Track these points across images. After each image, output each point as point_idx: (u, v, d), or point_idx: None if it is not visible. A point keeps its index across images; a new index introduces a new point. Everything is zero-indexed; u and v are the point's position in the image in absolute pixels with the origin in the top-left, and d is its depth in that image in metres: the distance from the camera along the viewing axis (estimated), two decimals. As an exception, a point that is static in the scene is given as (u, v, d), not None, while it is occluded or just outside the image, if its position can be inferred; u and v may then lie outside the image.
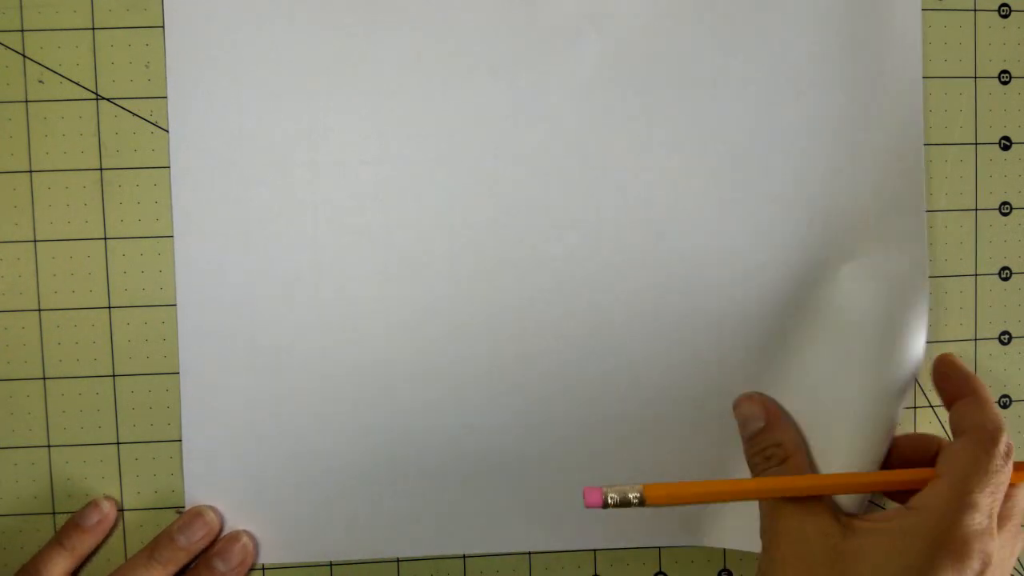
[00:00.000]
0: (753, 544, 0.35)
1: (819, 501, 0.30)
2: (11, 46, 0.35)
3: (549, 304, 0.36)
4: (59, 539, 0.34)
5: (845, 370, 0.34)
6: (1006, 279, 0.38)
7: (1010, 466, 0.29)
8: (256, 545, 0.36)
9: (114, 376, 0.36)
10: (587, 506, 0.30)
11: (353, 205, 0.35)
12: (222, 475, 0.35)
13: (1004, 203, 0.38)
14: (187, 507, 0.35)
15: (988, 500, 0.28)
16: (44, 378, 0.35)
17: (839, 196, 0.36)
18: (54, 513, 0.35)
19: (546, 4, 0.35)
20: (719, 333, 0.36)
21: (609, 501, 0.30)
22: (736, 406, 0.35)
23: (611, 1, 0.35)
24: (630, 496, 0.30)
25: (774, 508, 0.31)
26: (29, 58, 0.35)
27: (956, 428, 0.31)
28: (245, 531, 0.36)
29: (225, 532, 0.35)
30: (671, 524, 0.37)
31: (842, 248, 0.36)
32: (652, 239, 0.36)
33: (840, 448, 0.34)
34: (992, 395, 0.34)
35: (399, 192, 0.35)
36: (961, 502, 0.28)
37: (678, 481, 0.32)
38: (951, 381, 0.34)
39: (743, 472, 0.35)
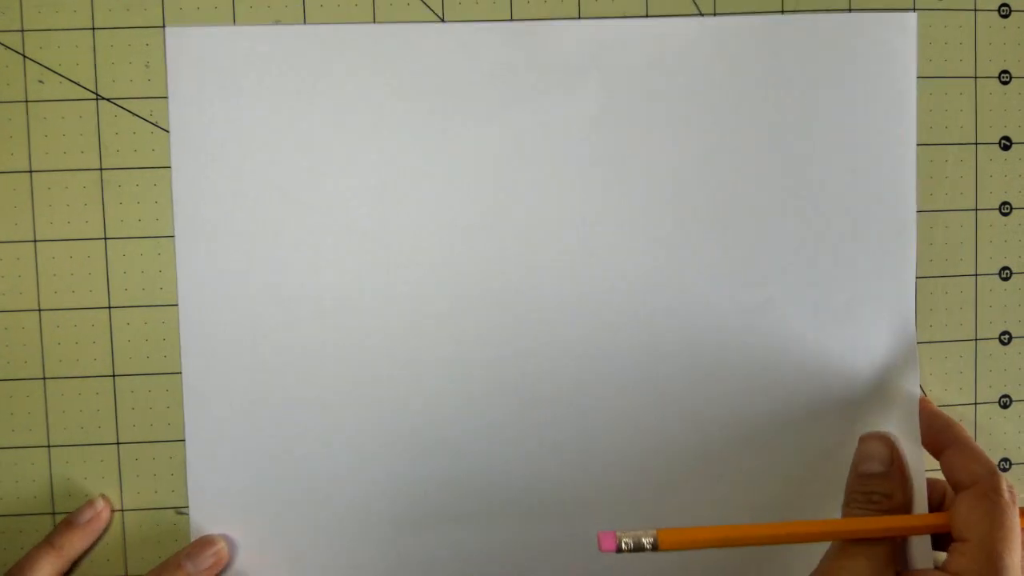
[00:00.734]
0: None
1: (886, 549, 0.31)
2: (11, 46, 0.35)
3: (555, 342, 0.36)
4: (49, 538, 0.34)
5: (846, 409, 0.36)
6: (1006, 279, 0.38)
7: (1016, 511, 0.30)
8: None
9: (114, 376, 0.35)
10: (601, 550, 0.30)
11: (354, 207, 0.35)
12: (225, 477, 0.35)
13: (1004, 203, 0.38)
14: (191, 509, 0.35)
15: (1016, 558, 0.30)
16: (44, 378, 0.35)
17: (837, 222, 0.36)
18: (54, 513, 0.35)
19: (547, 42, 0.35)
20: (725, 370, 0.36)
21: (623, 546, 0.30)
22: (863, 440, 0.35)
23: (613, 39, 0.35)
24: (644, 541, 0.30)
25: (841, 547, 0.32)
26: (29, 58, 0.35)
27: (954, 481, 0.32)
28: None
29: (235, 561, 0.35)
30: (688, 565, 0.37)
31: (840, 283, 0.36)
32: (654, 280, 0.36)
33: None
34: (980, 425, 0.35)
35: (400, 204, 0.35)
36: (995, 566, 0.29)
37: (693, 525, 0.32)
38: (932, 431, 0.34)
39: (750, 514, 0.36)
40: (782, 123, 0.36)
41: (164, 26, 0.35)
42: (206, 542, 0.34)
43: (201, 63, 0.35)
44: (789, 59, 0.36)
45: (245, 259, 0.35)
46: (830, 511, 0.35)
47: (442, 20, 0.36)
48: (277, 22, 0.35)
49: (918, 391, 0.35)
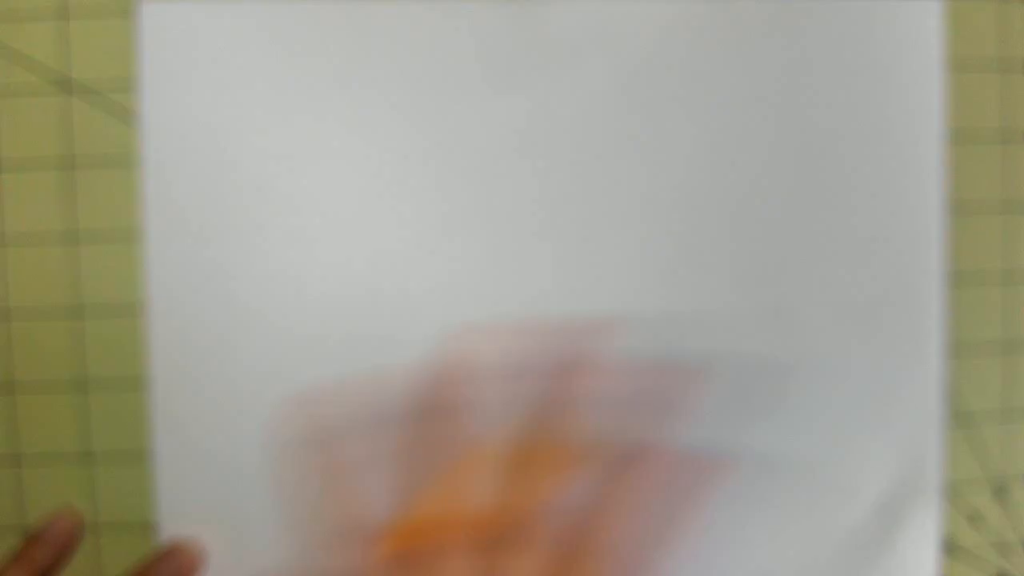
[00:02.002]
0: None
1: None
2: (-20, 35, 0.35)
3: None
4: (18, 555, 0.33)
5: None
6: (1037, 280, 0.38)
7: None
8: None
9: (84, 384, 0.35)
10: None
11: (339, 203, 0.35)
12: (197, 491, 0.35)
13: None
14: (160, 523, 0.35)
15: None
16: (12, 384, 0.35)
17: (858, 218, 0.36)
18: (24, 527, 0.35)
19: (552, 18, 0.35)
20: (738, 373, 0.36)
21: None
22: None
23: (619, 15, 0.35)
24: None
25: None
26: None
27: None
28: None
29: (207, 573, 0.35)
30: None
31: (862, 283, 0.36)
32: (663, 277, 0.35)
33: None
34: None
35: (390, 196, 0.35)
36: None
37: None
38: None
39: (764, 519, 0.35)
40: (800, 113, 0.36)
41: (140, 3, 0.34)
42: (175, 547, 0.34)
43: (177, 43, 0.34)
44: (809, 44, 0.35)
45: (221, 259, 0.34)
46: (842, 528, 0.35)
47: None
48: None
49: (939, 405, 0.35)
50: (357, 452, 0.34)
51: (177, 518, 0.35)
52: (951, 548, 0.37)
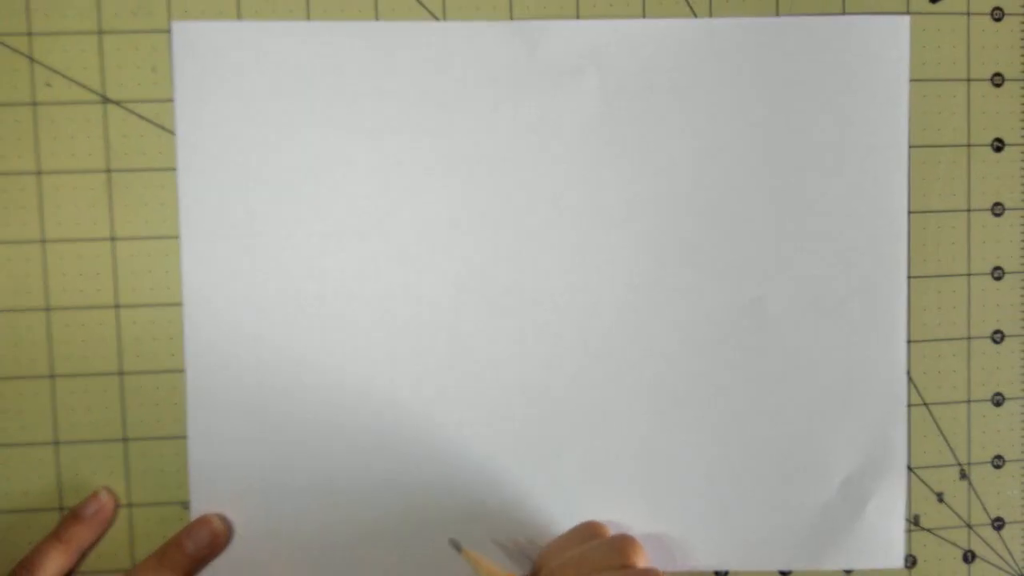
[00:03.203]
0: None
1: None
2: (19, 49, 0.35)
3: (551, 338, 0.36)
4: (56, 532, 0.34)
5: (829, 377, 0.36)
6: (998, 279, 0.38)
7: None
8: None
9: (121, 374, 0.36)
10: None
11: (356, 206, 0.36)
12: (227, 472, 0.35)
13: (996, 204, 0.38)
14: (192, 503, 0.35)
15: None
16: (52, 376, 0.35)
17: (830, 222, 0.37)
18: (61, 509, 0.36)
19: (547, 41, 0.35)
20: (717, 367, 0.37)
21: None
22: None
23: (611, 38, 0.36)
24: None
25: None
26: (37, 61, 0.35)
27: None
28: None
29: (235, 553, 0.35)
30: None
31: (833, 282, 0.37)
32: (648, 278, 0.36)
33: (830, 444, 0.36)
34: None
35: (403, 201, 0.36)
36: None
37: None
38: None
39: (740, 506, 0.37)
40: (776, 124, 0.36)
41: (170, 21, 0.35)
42: (205, 521, 0.35)
43: (206, 59, 0.35)
44: (784, 61, 0.36)
45: (249, 259, 0.35)
46: (815, 505, 0.36)
47: (444, 20, 0.36)
48: None
49: (905, 390, 0.36)
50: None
51: (208, 498, 0.35)
52: (920, 528, 0.38)
